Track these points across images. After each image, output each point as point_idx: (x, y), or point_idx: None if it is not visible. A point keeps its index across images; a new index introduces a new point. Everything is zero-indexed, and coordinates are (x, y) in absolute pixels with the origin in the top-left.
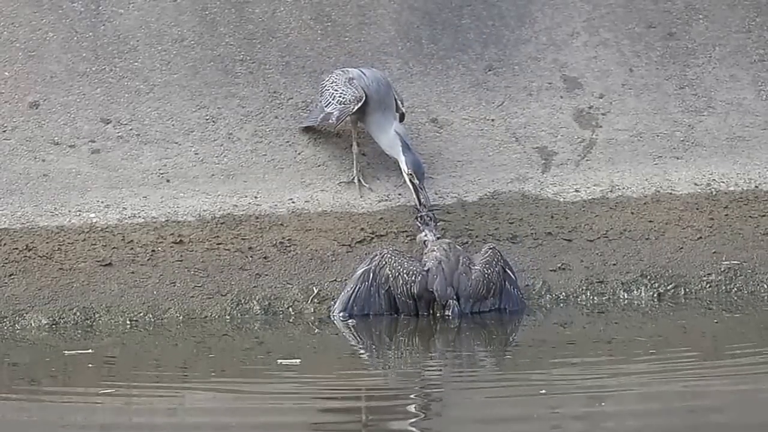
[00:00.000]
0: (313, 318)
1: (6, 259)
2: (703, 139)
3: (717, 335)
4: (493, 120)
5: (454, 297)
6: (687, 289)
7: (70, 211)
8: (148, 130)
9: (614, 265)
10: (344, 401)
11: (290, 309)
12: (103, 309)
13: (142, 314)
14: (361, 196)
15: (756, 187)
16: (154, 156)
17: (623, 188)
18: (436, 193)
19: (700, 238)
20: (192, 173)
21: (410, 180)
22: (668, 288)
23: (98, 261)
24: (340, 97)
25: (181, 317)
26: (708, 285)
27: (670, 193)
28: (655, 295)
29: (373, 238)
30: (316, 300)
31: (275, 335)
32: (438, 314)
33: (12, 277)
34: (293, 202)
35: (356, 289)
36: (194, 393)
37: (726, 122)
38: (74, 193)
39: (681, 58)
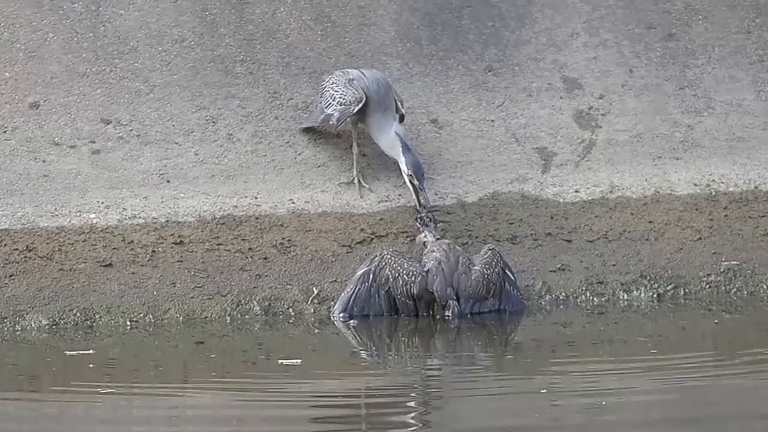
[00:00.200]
0: (313, 318)
1: (6, 259)
2: (703, 140)
3: (717, 336)
4: (492, 121)
5: (454, 297)
6: (687, 290)
7: (70, 212)
8: (148, 131)
9: (614, 265)
10: (345, 401)
11: (290, 310)
12: (103, 309)
13: (142, 315)
14: (361, 197)
15: (755, 187)
16: (154, 157)
17: (623, 189)
18: (436, 194)
19: (700, 238)
20: (192, 174)
21: (410, 181)
22: (668, 288)
23: (98, 262)
24: (340, 98)
25: (181, 318)
26: (707, 285)
27: (670, 194)
28: (655, 296)
29: (373, 238)
30: (316, 300)
31: (275, 336)
32: (438, 315)
33: (12, 277)
34: (293, 203)
35: (356, 290)
36: (194, 393)
37: (725, 123)
38: (74, 194)
39: (681, 59)
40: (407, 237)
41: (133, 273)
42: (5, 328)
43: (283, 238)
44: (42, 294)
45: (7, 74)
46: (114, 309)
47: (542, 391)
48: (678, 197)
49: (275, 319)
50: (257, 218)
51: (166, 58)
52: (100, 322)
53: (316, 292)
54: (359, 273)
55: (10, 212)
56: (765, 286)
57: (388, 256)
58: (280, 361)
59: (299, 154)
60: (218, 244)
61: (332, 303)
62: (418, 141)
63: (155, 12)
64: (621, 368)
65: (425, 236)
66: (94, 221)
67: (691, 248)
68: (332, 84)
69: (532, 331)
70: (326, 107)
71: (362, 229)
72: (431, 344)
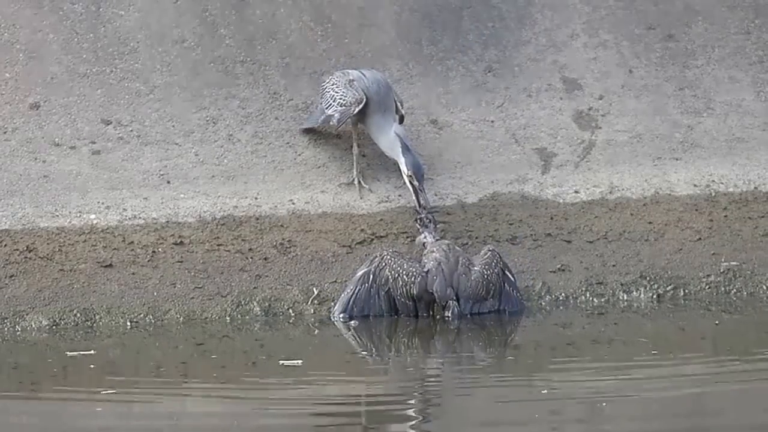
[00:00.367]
0: (313, 319)
1: (7, 260)
2: (703, 141)
3: (716, 336)
4: (492, 121)
5: (454, 298)
6: (686, 290)
7: (70, 212)
8: (148, 132)
9: (614, 266)
10: (345, 403)
11: (290, 310)
12: (103, 310)
13: (142, 315)
14: (361, 198)
15: (755, 188)
16: (154, 157)
17: (623, 189)
18: (436, 195)
19: (700, 239)
20: (192, 174)
21: (410, 181)
22: (667, 289)
23: (99, 262)
24: (340, 99)
25: (181, 318)
26: (707, 286)
27: (670, 195)
28: (655, 296)
29: (373, 239)
30: (316, 301)
31: (276, 336)
32: (438, 315)
33: (12, 278)
34: (293, 204)
35: (356, 291)
36: (195, 394)
37: (725, 123)
38: (75, 195)
39: (680, 60)
40: (407, 238)
41: (133, 273)
42: (5, 329)
43: (283, 239)
44: (42, 294)
45: (7, 75)
46: (114, 309)
47: (543, 391)
48: (678, 198)
49: (275, 319)
50: (257, 219)
51: (167, 59)
52: (101, 323)
53: (316, 292)
54: (359, 274)
55: (10, 213)
56: (765, 287)
57: (388, 257)
58: (281, 361)
59: (299, 155)
60: (218, 245)
61: (332, 304)
62: (418, 141)
63: (155, 13)
64: (621, 369)
65: (425, 237)
66: (95, 222)
67: (690, 249)
68: (333, 85)
69: (532, 331)
70: (327, 108)
71: (362, 230)
72: (431, 345)
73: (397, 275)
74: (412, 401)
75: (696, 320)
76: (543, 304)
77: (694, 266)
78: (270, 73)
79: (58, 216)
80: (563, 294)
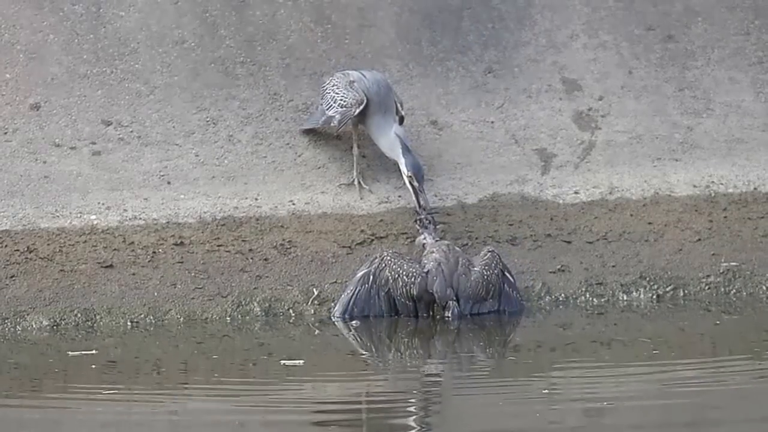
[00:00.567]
0: (313, 319)
1: (7, 260)
2: (702, 141)
3: (716, 336)
4: (492, 122)
5: (454, 298)
6: (686, 291)
7: (71, 213)
8: (148, 132)
9: (613, 266)
10: (346, 403)
11: (291, 310)
12: (104, 310)
13: (143, 316)
14: (361, 198)
15: (755, 189)
16: (154, 158)
17: (622, 190)
18: (436, 195)
19: (699, 239)
20: (192, 175)
21: (410, 182)
22: (667, 289)
23: (99, 263)
24: (341, 100)
25: (181, 319)
26: (707, 286)
27: (669, 195)
28: (655, 297)
29: (373, 239)
30: (316, 301)
31: (276, 337)
32: (438, 316)
33: (13, 278)
34: (293, 204)
35: (356, 291)
36: (196, 394)
37: (725, 124)
38: (75, 195)
39: (680, 60)
40: (407, 238)
41: (133, 274)
42: (6, 329)
43: (283, 240)
44: (43, 295)
45: (7, 75)
46: (115, 310)
47: (544, 391)
48: (677, 198)
49: (275, 320)
50: (257, 219)
51: (167, 60)
52: (101, 323)
53: (316, 293)
54: (359, 274)
55: (11, 213)
56: (764, 287)
57: (388, 258)
58: (282, 361)
59: (299, 156)
60: (219, 246)
61: (332, 304)
62: (418, 142)
63: (156, 13)
64: (621, 369)
65: (425, 238)
66: (95, 222)
67: (690, 249)
68: (333, 86)
69: (532, 332)
70: (327, 109)
71: (362, 231)
72: (431, 345)
73: (397, 276)
74: (413, 401)
75: (696, 321)
76: (543, 304)
77: (693, 267)
78: (270, 74)
79: (58, 216)
80: (563, 294)
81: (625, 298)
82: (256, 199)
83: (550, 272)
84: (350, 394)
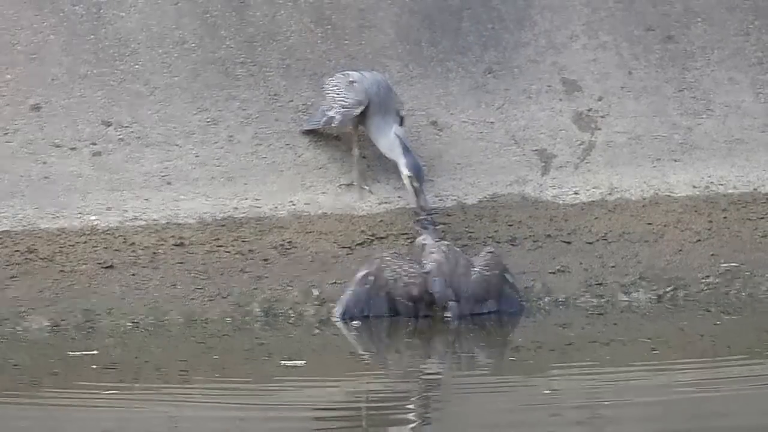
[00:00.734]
0: (313, 320)
1: (7, 261)
2: (702, 142)
3: (716, 337)
4: (492, 123)
5: (454, 298)
6: (686, 292)
7: (71, 214)
8: (149, 133)
9: (613, 267)
10: (346, 404)
11: (291, 311)
12: (104, 311)
13: (143, 316)
14: (361, 199)
15: (754, 189)
16: (155, 158)
17: (622, 191)
18: (436, 196)
19: (699, 240)
20: (193, 176)
21: (410, 183)
22: (667, 290)
23: (99, 263)
24: (341, 100)
25: (182, 319)
26: (706, 287)
27: (669, 196)
28: (654, 297)
29: (373, 240)
30: (316, 302)
31: (276, 337)
32: (438, 316)
33: (14, 279)
34: (293, 205)
35: (357, 292)
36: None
37: (724, 125)
38: (75, 196)
39: (680, 61)
40: (407, 239)
41: (133, 275)
42: (6, 330)
43: (283, 240)
44: (43, 295)
45: (8, 76)
46: (115, 310)
47: (545, 391)
48: (677, 199)
49: (276, 320)
50: (258, 220)
51: (167, 60)
52: (101, 324)
53: (316, 293)
54: (359, 275)
55: (11, 214)
56: (764, 288)
57: (388, 258)
58: (283, 362)
59: (299, 156)
60: (219, 246)
61: (333, 305)
62: (418, 143)
63: (156, 14)
64: (620, 370)
65: (424, 238)
66: (95, 223)
67: (690, 250)
68: (333, 87)
69: (532, 332)
70: (328, 110)
71: (362, 231)
72: (431, 345)
73: (397, 276)
74: (413, 402)
75: (695, 321)
76: (542, 305)
77: (693, 267)
78: (270, 75)
79: (58, 217)
80: (563, 295)
81: (624, 298)
82: (257, 200)
83: (550, 273)
84: (350, 394)
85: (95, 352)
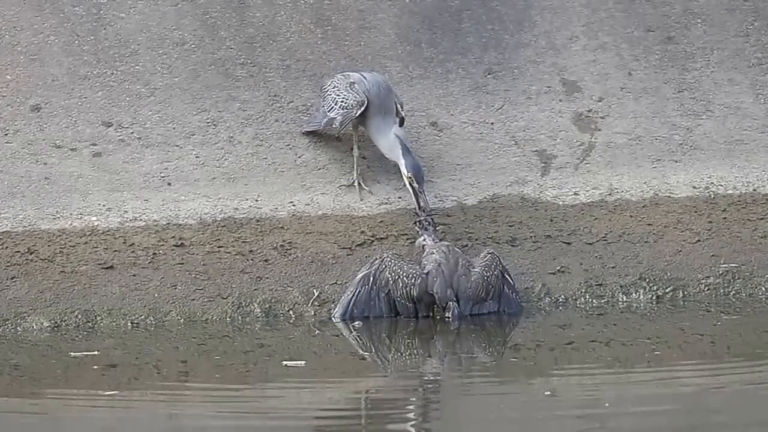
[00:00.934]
0: (313, 320)
1: (8, 262)
2: (702, 143)
3: (715, 337)
4: (492, 123)
5: (454, 299)
6: (685, 292)
7: (71, 214)
8: (149, 134)
9: (613, 268)
10: (346, 405)
11: (291, 312)
12: (104, 311)
13: (143, 317)
14: (362, 199)
15: (754, 190)
16: (155, 159)
17: (622, 191)
18: (436, 197)
19: (699, 241)
20: (193, 176)
21: (410, 183)
22: (667, 291)
23: (99, 264)
24: (342, 101)
25: (182, 320)
26: (706, 288)
27: (669, 197)
28: (654, 298)
29: (373, 241)
30: (316, 303)
31: (277, 338)
32: (438, 316)
33: (14, 279)
34: (294, 205)
35: (356, 293)
36: (196, 395)
37: (724, 126)
38: (76, 196)
39: (679, 62)
40: (407, 239)
41: (134, 275)
42: (7, 330)
43: (283, 241)
44: (43, 296)
45: (8, 77)
46: (115, 311)
47: (546, 393)
48: (677, 200)
49: (276, 321)
50: (258, 220)
51: (167, 61)
52: (102, 324)
53: (316, 294)
54: (359, 276)
55: (11, 214)
56: (763, 288)
57: (388, 259)
58: (284, 362)
59: (299, 157)
60: (219, 247)
61: (333, 305)
62: (418, 144)
63: (156, 15)
64: (620, 370)
65: (424, 239)
66: (96, 224)
67: (690, 251)
68: (334, 88)
69: (532, 332)
70: (329, 111)
71: (362, 232)
72: (431, 346)
73: (397, 277)
74: (413, 402)
75: (695, 322)
76: (542, 305)
77: (693, 268)
78: (270, 75)
79: (59, 218)
80: (563, 295)
81: (624, 299)
82: (257, 201)
83: (550, 273)
84: (351, 394)
85: (96, 352)
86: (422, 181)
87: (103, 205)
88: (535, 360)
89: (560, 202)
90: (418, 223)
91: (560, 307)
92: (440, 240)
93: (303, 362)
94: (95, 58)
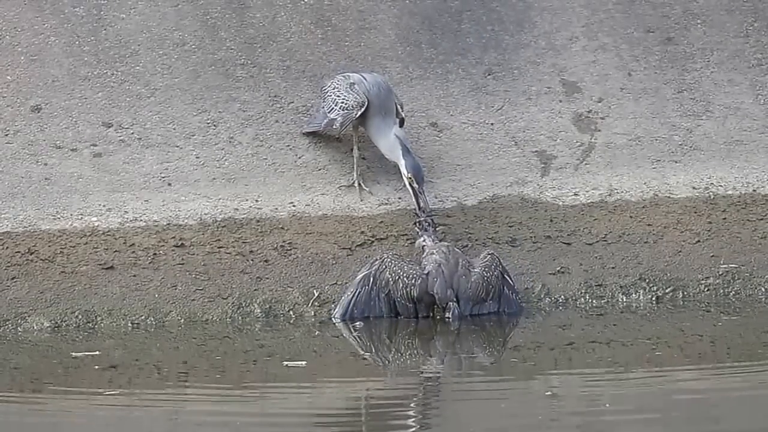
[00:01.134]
0: (313, 321)
1: (8, 262)
2: (702, 143)
3: (715, 338)
4: (492, 124)
5: (454, 299)
6: (685, 293)
7: (72, 215)
8: (149, 134)
9: (613, 268)
10: (347, 405)
11: (291, 312)
12: (104, 312)
13: (143, 317)
14: (362, 200)
15: (754, 190)
16: (155, 160)
17: (622, 192)
18: (436, 197)
19: (699, 241)
20: (193, 177)
21: (410, 184)
22: (667, 291)
23: (100, 264)
24: (342, 102)
25: (182, 320)
26: (706, 288)
27: (669, 197)
28: (654, 299)
29: (373, 241)
30: (316, 303)
31: (277, 338)
32: (438, 317)
33: (14, 280)
34: (294, 206)
35: (357, 293)
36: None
37: (724, 126)
38: (76, 197)
39: (679, 63)
40: (407, 240)
41: (134, 275)
42: (7, 330)
43: (283, 241)
44: (44, 296)
45: (8, 78)
46: (115, 311)
47: (546, 393)
48: (677, 200)
49: (276, 321)
50: (258, 221)
51: (167, 62)
52: (102, 324)
53: (316, 294)
54: (360, 276)
55: (11, 215)
56: (763, 289)
57: (388, 259)
58: (284, 363)
59: (300, 158)
60: (219, 247)
61: (333, 306)
62: (418, 144)
63: (156, 16)
64: (621, 370)
65: (424, 240)
66: (96, 224)
67: (689, 251)
68: (334, 89)
69: (532, 333)
70: (329, 112)
71: (362, 232)
72: (431, 346)
73: (397, 277)
74: (413, 402)
75: (695, 322)
76: (542, 305)
77: (693, 268)
78: (270, 76)
79: (59, 218)
80: (563, 296)
81: (624, 299)
82: (257, 201)
83: (550, 274)
84: (351, 395)
85: (97, 353)
86: (422, 181)
87: (104, 206)
88: (535, 360)
89: (560, 203)
90: (418, 224)
91: (560, 308)
92: (440, 240)
93: (303, 362)
94: (95, 59)
